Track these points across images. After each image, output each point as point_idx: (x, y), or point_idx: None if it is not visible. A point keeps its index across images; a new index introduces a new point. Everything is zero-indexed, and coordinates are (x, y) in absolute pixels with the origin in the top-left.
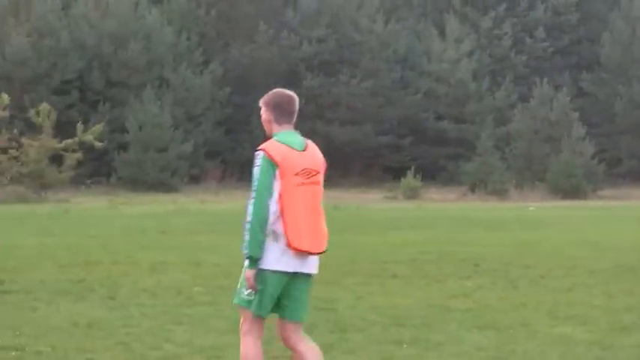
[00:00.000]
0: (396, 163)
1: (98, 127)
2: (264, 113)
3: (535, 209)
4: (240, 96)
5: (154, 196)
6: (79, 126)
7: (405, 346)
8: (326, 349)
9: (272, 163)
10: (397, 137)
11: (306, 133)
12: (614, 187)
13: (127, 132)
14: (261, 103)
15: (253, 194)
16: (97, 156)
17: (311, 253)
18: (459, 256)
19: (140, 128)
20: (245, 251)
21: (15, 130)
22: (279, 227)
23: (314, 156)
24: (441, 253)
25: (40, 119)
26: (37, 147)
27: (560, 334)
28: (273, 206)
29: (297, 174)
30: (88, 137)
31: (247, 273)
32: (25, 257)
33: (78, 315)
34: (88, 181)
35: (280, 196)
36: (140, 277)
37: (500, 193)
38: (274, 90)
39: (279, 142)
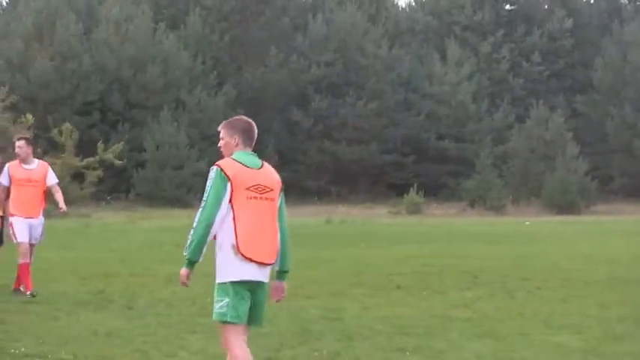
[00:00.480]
0: (400, 180)
1: (118, 146)
2: (226, 136)
3: (531, 224)
4: (252, 116)
5: (170, 211)
6: (100, 145)
7: (408, 354)
8: (333, 356)
9: (224, 177)
10: (401, 156)
11: (315, 152)
12: (607, 203)
13: (145, 151)
14: (225, 127)
15: (203, 203)
16: (117, 173)
17: (255, 262)
18: (459, 268)
19: (157, 147)
20: (185, 253)
21: (39, 149)
22: (231, 236)
23: (268, 174)
24: (443, 266)
25: (62, 138)
26: (59, 165)
27: (556, 342)
28: (223, 216)
29: (248, 188)
30: (108, 156)
31: (182, 271)
32: (48, 270)
33: (97, 324)
34: (108, 197)
35: (232, 206)
36: (157, 288)
37: (498, 209)
38: (236, 117)
39: (234, 160)
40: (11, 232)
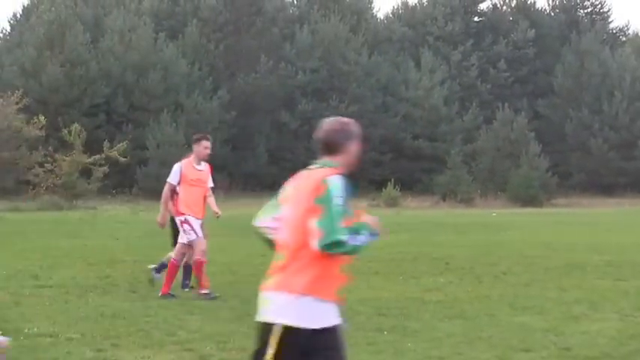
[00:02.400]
0: (379, 175)
1: (122, 145)
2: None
3: (497, 215)
4: (245, 119)
5: None
6: (106, 144)
7: (385, 333)
8: None
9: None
10: (379, 154)
11: (302, 151)
12: (566, 197)
13: (147, 149)
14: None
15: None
16: (121, 170)
17: None
18: (432, 255)
19: (158, 146)
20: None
21: (50, 148)
22: None
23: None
24: (417, 253)
25: (71, 138)
26: (69, 162)
27: (520, 322)
28: None
29: None
30: (113, 153)
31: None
32: (59, 256)
33: (104, 306)
34: (113, 191)
35: None
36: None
37: (468, 202)
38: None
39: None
40: (188, 229)
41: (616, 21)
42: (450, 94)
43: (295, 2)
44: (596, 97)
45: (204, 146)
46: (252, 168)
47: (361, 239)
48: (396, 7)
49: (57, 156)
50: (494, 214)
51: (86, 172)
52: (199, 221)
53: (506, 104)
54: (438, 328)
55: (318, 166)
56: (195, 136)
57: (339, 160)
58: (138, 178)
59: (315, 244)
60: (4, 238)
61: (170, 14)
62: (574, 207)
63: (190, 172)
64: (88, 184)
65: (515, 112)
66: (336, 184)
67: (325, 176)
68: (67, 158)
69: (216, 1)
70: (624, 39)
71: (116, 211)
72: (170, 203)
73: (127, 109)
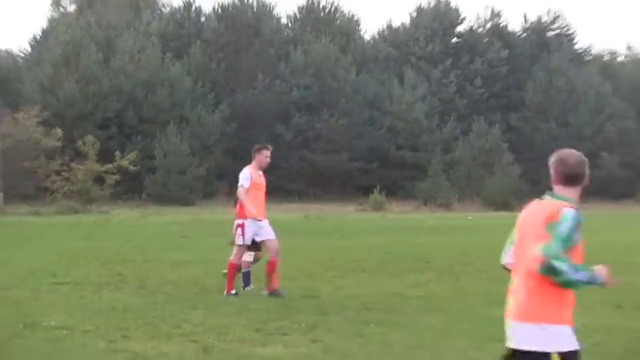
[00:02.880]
0: (365, 182)
1: (132, 155)
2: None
3: (473, 218)
4: (244, 130)
5: (176, 208)
6: (117, 154)
7: (372, 325)
8: (311, 328)
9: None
10: (366, 163)
11: (296, 160)
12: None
13: (155, 158)
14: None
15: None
16: (131, 177)
17: None
18: (414, 255)
19: (165, 155)
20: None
21: (66, 157)
22: None
23: None
24: (400, 253)
25: (86, 148)
26: (83, 170)
27: (494, 315)
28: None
29: None
30: (124, 162)
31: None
32: (75, 256)
33: (116, 301)
34: (124, 197)
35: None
36: (165, 271)
37: (446, 206)
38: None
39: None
40: (239, 233)
41: (581, 42)
42: (430, 109)
43: (290, 25)
44: (563, 111)
45: (265, 155)
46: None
47: (581, 275)
48: (381, 29)
49: (72, 165)
50: (470, 217)
51: (99, 180)
52: (263, 222)
53: (481, 117)
54: (419, 321)
55: (553, 197)
56: (257, 146)
57: (573, 192)
58: (146, 185)
59: (536, 267)
60: (24, 240)
61: (176, 36)
62: None
63: (256, 178)
64: (101, 190)
65: (490, 125)
66: (571, 216)
67: (562, 207)
68: (81, 167)
69: (217, 24)
70: (588, 58)
71: (126, 215)
72: (237, 207)
73: (136, 122)
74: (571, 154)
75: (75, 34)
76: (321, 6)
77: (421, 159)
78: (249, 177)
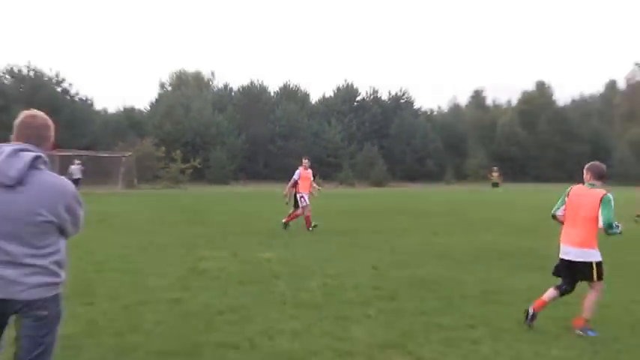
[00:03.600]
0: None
1: (198, 160)
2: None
3: (366, 191)
4: (252, 148)
5: (219, 187)
6: (191, 159)
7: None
8: None
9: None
10: (314, 164)
11: (278, 165)
12: (399, 183)
13: (209, 161)
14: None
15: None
16: (198, 171)
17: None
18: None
19: (214, 160)
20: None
21: (167, 161)
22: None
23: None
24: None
25: (175, 156)
26: (175, 167)
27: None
28: None
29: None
30: (195, 163)
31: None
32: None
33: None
34: (194, 181)
35: None
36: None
37: (351, 184)
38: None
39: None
40: (303, 200)
41: (417, 104)
42: (343, 137)
43: (275, 95)
44: (408, 140)
45: (305, 161)
46: (256, 170)
47: (618, 229)
48: (320, 97)
49: (170, 164)
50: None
51: (182, 172)
52: (308, 194)
53: (368, 142)
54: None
55: (592, 185)
56: (304, 158)
57: (601, 184)
58: (206, 175)
59: (600, 223)
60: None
61: (220, 100)
62: (402, 188)
63: (303, 173)
64: (183, 176)
65: (372, 145)
66: (610, 197)
67: (604, 192)
68: (174, 165)
69: (240, 95)
70: (420, 112)
71: (194, 190)
72: (293, 189)
73: (200, 144)
74: (598, 164)
75: (170, 100)
76: (291, 85)
77: (339, 161)
78: (298, 173)
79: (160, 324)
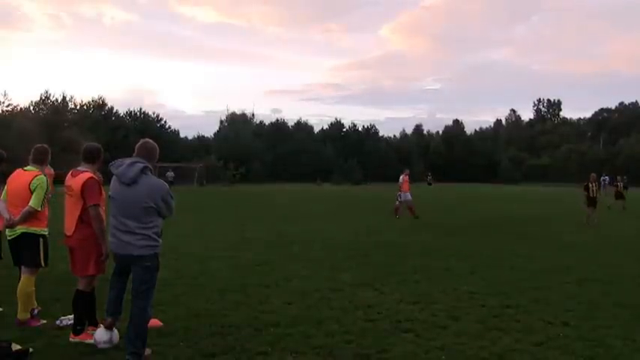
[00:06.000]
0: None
1: (243, 168)
2: None
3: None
4: (278, 161)
5: (260, 185)
6: (240, 168)
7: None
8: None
9: None
10: (316, 167)
11: (295, 168)
12: (370, 184)
13: (251, 170)
14: None
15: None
16: (243, 175)
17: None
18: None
19: (253, 169)
20: None
21: (225, 170)
22: None
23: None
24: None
25: (231, 166)
26: (229, 174)
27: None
28: None
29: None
30: (242, 170)
31: None
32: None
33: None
34: (240, 182)
35: None
36: None
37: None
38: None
39: None
40: (401, 196)
41: (381, 132)
42: (335, 154)
43: (290, 127)
44: (377, 156)
45: (406, 174)
46: (281, 174)
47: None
48: (319, 129)
49: (226, 171)
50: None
51: (234, 176)
52: (407, 193)
53: (350, 157)
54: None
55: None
56: (405, 169)
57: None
58: (249, 179)
59: None
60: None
61: (257, 129)
62: (372, 186)
63: (403, 178)
64: (235, 178)
65: (353, 159)
66: None
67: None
68: (228, 171)
69: (270, 127)
70: (382, 139)
71: (243, 188)
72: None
73: (245, 159)
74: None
75: (226, 131)
76: (302, 121)
77: (332, 169)
78: (401, 179)
79: (220, 271)
